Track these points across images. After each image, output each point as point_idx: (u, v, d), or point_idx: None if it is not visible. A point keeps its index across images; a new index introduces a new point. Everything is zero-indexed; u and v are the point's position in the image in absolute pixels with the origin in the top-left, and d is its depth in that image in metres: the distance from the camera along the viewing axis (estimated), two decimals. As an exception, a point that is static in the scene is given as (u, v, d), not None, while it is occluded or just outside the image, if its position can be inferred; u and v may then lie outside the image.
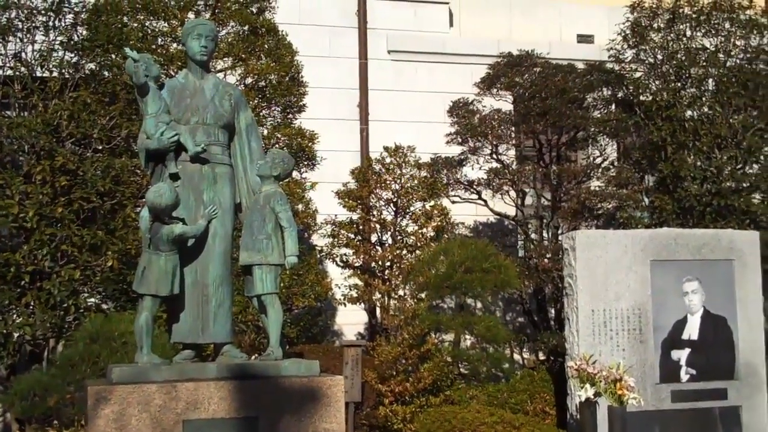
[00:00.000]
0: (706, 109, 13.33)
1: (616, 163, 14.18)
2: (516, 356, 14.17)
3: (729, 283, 10.22)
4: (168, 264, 7.36)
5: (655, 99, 13.44)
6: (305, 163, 13.00)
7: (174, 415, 6.95)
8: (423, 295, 11.39)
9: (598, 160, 14.02)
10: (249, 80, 12.44)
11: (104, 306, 11.26)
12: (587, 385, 8.76)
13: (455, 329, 11.28)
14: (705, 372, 10.00)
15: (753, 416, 10.04)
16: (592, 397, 8.75)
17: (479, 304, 14.03)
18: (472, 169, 13.99)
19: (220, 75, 11.84)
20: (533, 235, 14.00)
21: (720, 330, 10.13)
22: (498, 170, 13.57)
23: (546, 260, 12.93)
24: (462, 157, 14.03)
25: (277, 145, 12.00)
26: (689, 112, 13.35)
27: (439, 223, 12.83)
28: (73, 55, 11.42)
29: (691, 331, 10.06)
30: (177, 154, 7.73)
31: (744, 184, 12.86)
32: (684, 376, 9.93)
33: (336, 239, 12.83)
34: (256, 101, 12.25)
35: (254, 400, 7.19)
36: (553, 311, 13.84)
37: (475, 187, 13.79)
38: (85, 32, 11.44)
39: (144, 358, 7.29)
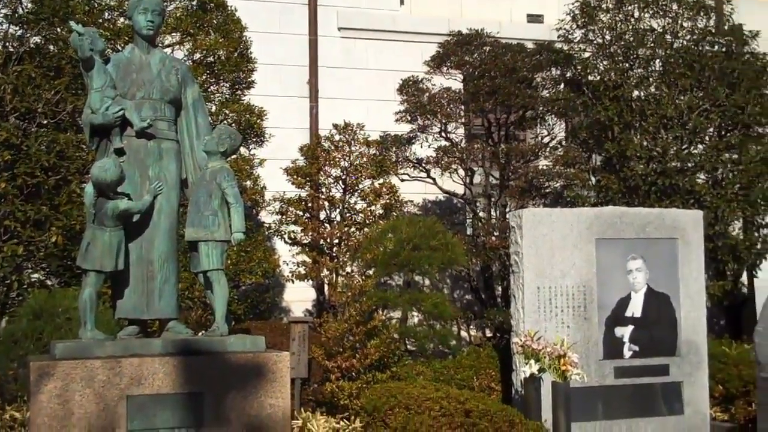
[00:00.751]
0: (652, 90, 13.48)
1: (563, 143, 14.31)
2: (463, 333, 14.29)
3: (672, 262, 10.34)
4: (113, 239, 7.33)
5: (602, 79, 13.56)
6: (253, 139, 12.96)
7: (118, 390, 6.94)
8: (371, 272, 11.41)
9: (546, 140, 14.13)
10: (197, 56, 12.36)
11: (48, 282, 11.16)
12: (532, 361, 8.84)
13: (402, 306, 11.32)
14: (648, 349, 10.13)
15: (694, 392, 10.21)
16: (537, 372, 8.84)
17: (427, 282, 14.11)
18: (421, 147, 14.03)
19: (168, 50, 11.75)
20: (481, 213, 14.09)
21: (663, 307, 10.26)
22: (447, 148, 13.62)
23: (493, 238, 13.02)
24: (411, 135, 14.06)
25: (225, 122, 11.95)
26: (636, 93, 13.49)
27: (388, 201, 12.85)
28: (17, 28, 11.26)
29: (635, 308, 10.17)
30: (122, 129, 7.71)
31: (689, 164, 13.04)
32: (627, 353, 10.06)
33: (284, 216, 12.81)
34: (204, 77, 12.17)
35: (199, 376, 7.19)
36: (500, 289, 13.96)
37: (424, 165, 13.83)
38: (30, 5, 11.28)
39: (88, 334, 7.26)
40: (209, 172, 7.75)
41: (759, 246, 13.57)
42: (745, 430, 10.57)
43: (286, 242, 12.95)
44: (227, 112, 12.33)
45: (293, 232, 12.88)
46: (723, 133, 13.76)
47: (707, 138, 13.52)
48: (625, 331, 10.09)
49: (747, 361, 11.04)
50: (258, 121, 12.74)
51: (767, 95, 13.91)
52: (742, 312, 15.83)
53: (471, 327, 14.48)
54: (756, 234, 13.73)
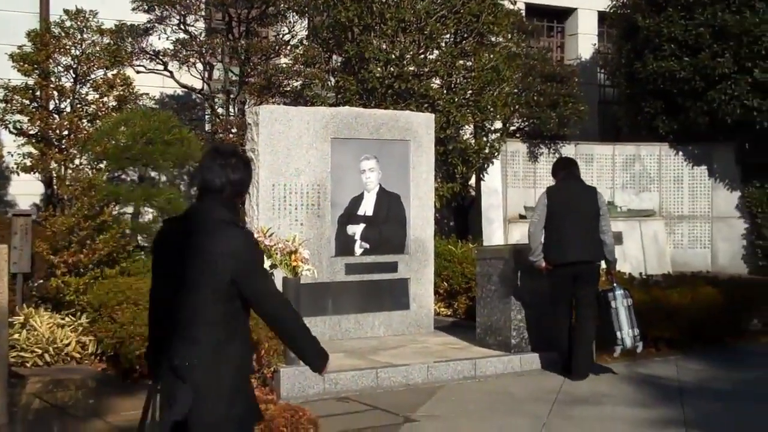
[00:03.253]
0: (393, -7, 13.59)
1: (304, 42, 14.23)
2: (199, 231, 14.13)
3: (404, 163, 10.63)
4: None
5: (345, -21, 13.53)
6: (-26, 21, 12.12)
7: None
8: (102, 166, 11.05)
9: (287, 38, 14.00)
10: None
11: None
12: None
13: (135, 201, 11.04)
14: (378, 246, 10.42)
15: (419, 288, 10.62)
16: (269, 268, 8.88)
17: (164, 178, 13.81)
18: (159, 39, 13.56)
19: None
20: (220, 110, 13.87)
21: (393, 207, 10.55)
22: (185, 41, 13.23)
23: (231, 135, 12.88)
24: (148, 25, 13.54)
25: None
26: (377, -5, 13.57)
27: (122, 93, 12.44)
28: None
29: (367, 207, 10.41)
30: None
31: (425, 69, 13.32)
32: (358, 250, 10.31)
33: (9, 105, 12.13)
34: None
35: None
36: (237, 186, 13.86)
37: (161, 57, 13.39)
38: None
39: None
40: None
41: (487, 150, 14.18)
42: (465, 323, 11.14)
43: (11, 132, 12.30)
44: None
45: (19, 122, 12.24)
46: (458, 40, 14.13)
47: (443, 44, 13.83)
48: (356, 229, 10.32)
49: (470, 259, 11.60)
50: (-21, 1, 11.90)
51: (501, 5, 14.41)
52: (469, 213, 16.57)
53: (208, 224, 14.32)
54: (485, 139, 14.32)
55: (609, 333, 8.92)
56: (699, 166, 17.69)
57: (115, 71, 12.44)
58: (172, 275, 4.06)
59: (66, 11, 12.29)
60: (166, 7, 13.11)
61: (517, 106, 15.71)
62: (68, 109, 12.29)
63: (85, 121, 12.09)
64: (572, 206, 8.98)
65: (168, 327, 4.08)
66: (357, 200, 10.34)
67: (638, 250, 16.78)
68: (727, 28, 16.28)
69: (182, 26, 13.42)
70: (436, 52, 13.67)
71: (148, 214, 11.65)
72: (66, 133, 12.06)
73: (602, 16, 21.36)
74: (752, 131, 16.47)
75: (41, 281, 9.94)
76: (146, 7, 13.25)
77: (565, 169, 9.30)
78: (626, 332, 8.86)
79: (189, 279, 4.02)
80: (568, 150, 17.19)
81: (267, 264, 8.81)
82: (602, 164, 17.62)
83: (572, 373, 8.89)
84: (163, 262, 4.17)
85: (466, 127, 14.17)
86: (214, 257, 3.99)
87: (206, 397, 3.96)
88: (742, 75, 16.25)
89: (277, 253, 8.82)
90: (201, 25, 13.94)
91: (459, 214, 16.77)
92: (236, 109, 13.64)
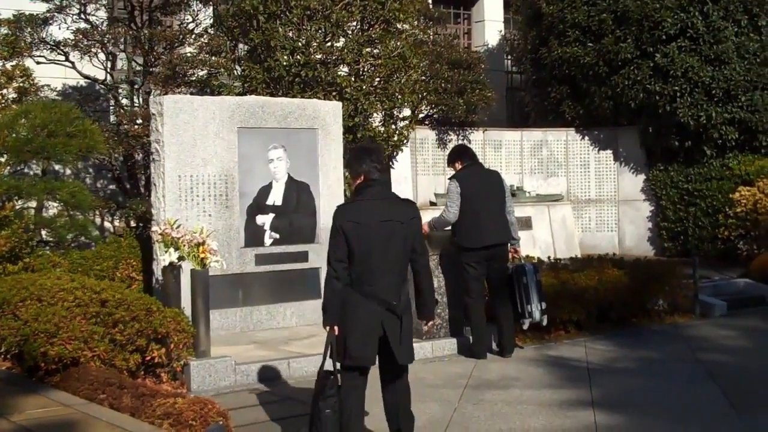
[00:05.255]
0: (297, -19, 13.48)
1: (209, 30, 14.05)
2: (107, 224, 13.91)
3: (312, 151, 10.58)
4: None
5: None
6: None
7: None
8: (2, 159, 10.76)
9: (191, 26, 13.80)
10: None
11: None
12: (171, 250, 8.76)
13: (38, 195, 10.78)
14: (288, 236, 10.37)
15: (331, 277, 10.58)
16: (176, 261, 8.78)
17: (68, 171, 13.55)
18: (60, 28, 13.26)
19: None
20: (124, 101, 13.63)
21: (303, 196, 10.51)
22: (87, 31, 12.96)
23: (136, 126, 12.66)
24: (48, 15, 13.22)
25: None
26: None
27: (22, 85, 12.13)
28: None
29: (276, 197, 10.34)
30: None
31: (331, 57, 13.25)
32: (268, 240, 10.24)
33: None
34: None
35: None
36: (143, 178, 13.67)
37: (62, 48, 13.09)
38: None
39: None
40: None
41: (396, 138, 14.17)
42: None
43: None
44: None
45: None
46: (365, 27, 14.08)
47: (349, 32, 13.78)
48: (266, 219, 10.26)
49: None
50: None
51: (407, -8, 14.38)
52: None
53: (115, 217, 14.11)
54: (393, 126, 14.31)
55: (519, 307, 9.29)
56: (605, 151, 18.00)
57: (14, 62, 12.12)
58: (380, 242, 5.68)
59: (-39, 1, 11.96)
60: (66, -5, 12.84)
61: (424, 94, 15.74)
62: (-34, 102, 11.96)
63: (-17, 114, 11.76)
64: (483, 191, 9.29)
65: (376, 281, 5.69)
66: (266, 190, 10.27)
67: (547, 234, 17.01)
68: (628, 13, 16.59)
69: (83, 15, 13.14)
70: (342, 39, 13.59)
71: (52, 208, 11.40)
72: (-36, 126, 11.72)
73: (507, 3, 21.57)
74: (655, 115, 16.81)
75: (-60, 279, 9.63)
76: (46, -4, 12.97)
77: (466, 155, 9.63)
78: (535, 306, 9.24)
79: (396, 242, 5.73)
80: (477, 136, 17.33)
81: (175, 256, 8.73)
82: (510, 150, 17.80)
83: (504, 351, 9.27)
84: (370, 233, 5.67)
85: (375, 114, 14.13)
86: (409, 223, 5.80)
87: (409, 319, 5.86)
88: (644, 60, 16.58)
89: (184, 245, 8.72)
90: (102, 14, 13.67)
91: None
92: (141, 99, 13.43)
